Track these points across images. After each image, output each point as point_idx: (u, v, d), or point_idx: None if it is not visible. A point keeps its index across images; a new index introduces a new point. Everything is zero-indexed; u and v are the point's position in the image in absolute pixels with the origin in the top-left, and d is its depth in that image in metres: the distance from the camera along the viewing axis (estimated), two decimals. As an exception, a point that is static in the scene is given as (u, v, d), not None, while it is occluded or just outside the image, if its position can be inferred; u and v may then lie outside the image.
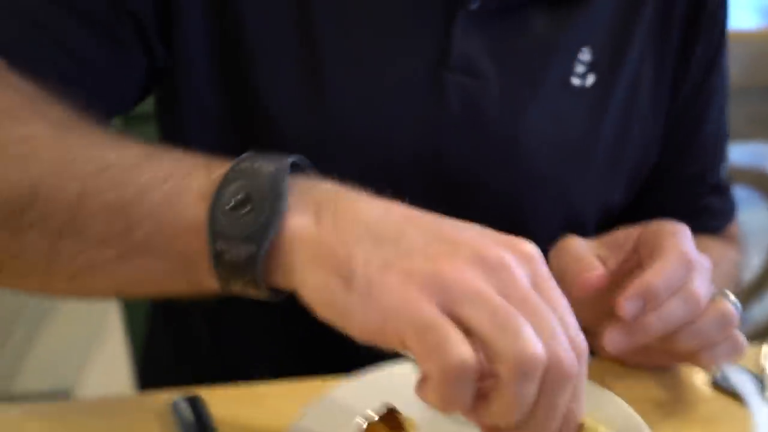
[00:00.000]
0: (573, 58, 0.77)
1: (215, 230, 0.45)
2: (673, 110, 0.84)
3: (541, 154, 0.77)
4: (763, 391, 0.61)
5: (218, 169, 0.49)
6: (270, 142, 0.73)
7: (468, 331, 0.41)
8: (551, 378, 0.41)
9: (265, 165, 0.47)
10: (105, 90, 0.72)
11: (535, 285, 0.44)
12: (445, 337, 0.40)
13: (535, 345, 0.40)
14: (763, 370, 0.60)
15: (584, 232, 0.73)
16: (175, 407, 0.61)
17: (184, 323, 0.92)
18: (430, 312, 0.41)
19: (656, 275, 0.57)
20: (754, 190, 1.23)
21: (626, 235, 0.65)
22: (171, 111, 0.81)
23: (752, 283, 1.30)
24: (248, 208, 0.45)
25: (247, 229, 0.45)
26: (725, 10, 0.84)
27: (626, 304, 0.56)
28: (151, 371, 0.97)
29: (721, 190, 0.92)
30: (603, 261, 0.63)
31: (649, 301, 0.56)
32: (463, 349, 0.39)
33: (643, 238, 0.63)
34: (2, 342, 2.32)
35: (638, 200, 0.88)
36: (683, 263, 0.58)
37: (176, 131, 0.82)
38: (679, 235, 0.62)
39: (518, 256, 0.44)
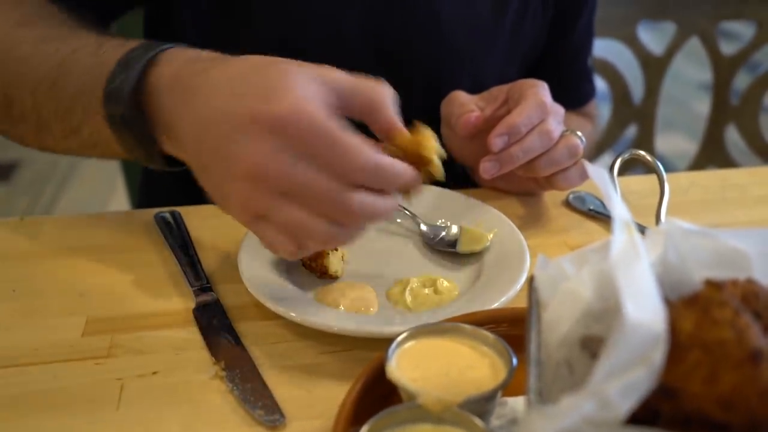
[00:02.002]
0: None
1: (111, 123, 0.59)
2: (556, 10, 0.96)
3: (457, 33, 0.88)
4: (615, 189, 0.71)
5: (113, 68, 0.59)
6: (245, 19, 0.82)
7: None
8: None
9: (137, 64, 0.57)
10: None
11: (302, 145, 0.48)
12: (262, 236, 0.52)
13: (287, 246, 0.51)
14: (614, 176, 0.71)
15: None
16: (156, 218, 0.74)
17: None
18: (245, 219, 0.51)
19: (518, 116, 0.68)
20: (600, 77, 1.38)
21: (499, 90, 0.76)
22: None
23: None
24: (120, 104, 0.57)
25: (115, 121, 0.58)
26: None
27: (495, 139, 0.67)
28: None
29: (586, 75, 1.07)
30: (481, 110, 0.74)
31: (513, 136, 0.68)
32: (278, 246, 0.51)
33: (511, 91, 0.74)
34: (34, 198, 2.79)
35: (527, 76, 0.98)
36: (539, 106, 0.69)
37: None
38: (538, 87, 0.72)
39: (283, 134, 0.47)
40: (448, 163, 0.85)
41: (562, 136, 0.71)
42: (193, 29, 0.84)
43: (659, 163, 0.67)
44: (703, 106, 1.59)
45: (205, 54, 0.57)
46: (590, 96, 1.08)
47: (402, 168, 0.51)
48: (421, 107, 0.83)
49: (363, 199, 0.49)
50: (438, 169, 0.57)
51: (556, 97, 0.83)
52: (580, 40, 1.03)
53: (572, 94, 1.05)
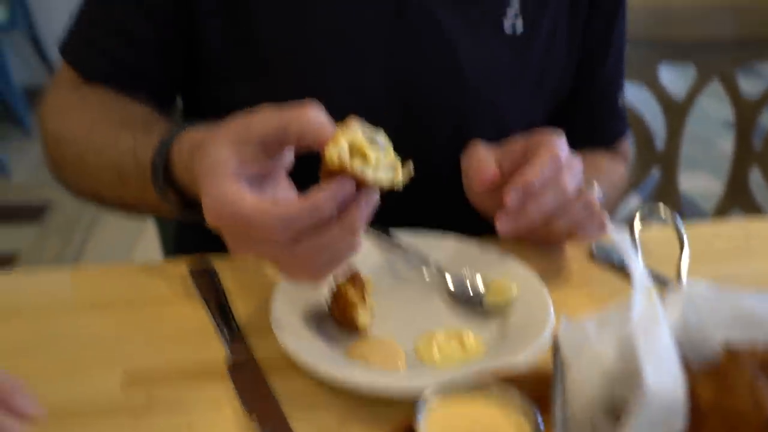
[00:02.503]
0: (504, 8, 0.89)
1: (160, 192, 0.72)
2: (583, 53, 0.98)
3: (480, 83, 0.90)
4: (636, 251, 0.72)
5: (151, 179, 0.71)
6: (262, 70, 0.87)
7: None
8: None
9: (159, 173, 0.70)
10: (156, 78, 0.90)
11: (239, 232, 0.58)
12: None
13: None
14: (634, 233, 0.73)
15: None
16: (190, 269, 0.76)
17: None
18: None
19: (532, 171, 0.69)
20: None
21: (518, 142, 0.77)
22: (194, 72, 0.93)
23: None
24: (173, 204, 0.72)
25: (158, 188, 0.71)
26: None
27: (510, 195, 0.68)
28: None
29: (617, 114, 1.07)
30: (500, 163, 0.75)
31: (527, 192, 0.68)
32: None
33: (529, 144, 0.75)
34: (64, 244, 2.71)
35: (555, 121, 0.98)
36: (555, 162, 0.70)
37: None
38: (554, 141, 0.73)
39: (226, 230, 0.59)
40: (473, 212, 0.86)
41: (578, 191, 0.72)
42: (223, 90, 0.90)
43: (679, 218, 0.68)
44: (727, 144, 1.59)
45: (197, 139, 0.66)
46: (622, 134, 1.09)
47: (322, 202, 0.55)
48: (447, 155, 0.86)
49: (305, 249, 0.56)
50: (362, 174, 0.55)
51: (587, 135, 0.88)
52: (610, 74, 1.04)
53: (603, 133, 1.07)
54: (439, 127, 0.91)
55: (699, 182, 2.86)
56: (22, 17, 3.51)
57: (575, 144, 0.90)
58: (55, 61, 0.99)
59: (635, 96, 1.43)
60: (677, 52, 1.40)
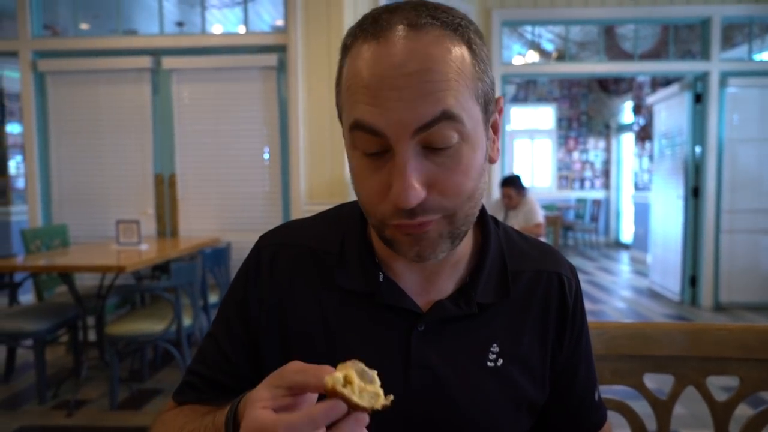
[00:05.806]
0: (487, 351, 1.09)
1: None
2: (556, 369, 1.16)
3: (468, 406, 1.07)
4: None
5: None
6: None
7: None
8: None
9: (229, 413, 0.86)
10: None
11: None
12: None
13: None
14: None
15: None
16: None
17: None
18: None
19: None
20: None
21: None
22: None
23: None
24: None
25: None
26: (582, 312, 1.20)
27: None
28: None
29: (596, 407, 1.26)
30: None
31: None
32: None
33: None
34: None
35: (545, 420, 1.19)
36: None
37: None
38: None
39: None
40: None
41: None
42: None
43: None
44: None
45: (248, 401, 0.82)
46: (603, 421, 1.27)
47: (315, 413, 0.72)
48: None
49: None
50: (348, 396, 0.71)
51: (573, 429, 1.14)
52: (584, 381, 1.22)
53: (587, 426, 1.25)
54: None
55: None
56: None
57: None
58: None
59: (628, 393, 1.78)
60: (657, 364, 1.72)
